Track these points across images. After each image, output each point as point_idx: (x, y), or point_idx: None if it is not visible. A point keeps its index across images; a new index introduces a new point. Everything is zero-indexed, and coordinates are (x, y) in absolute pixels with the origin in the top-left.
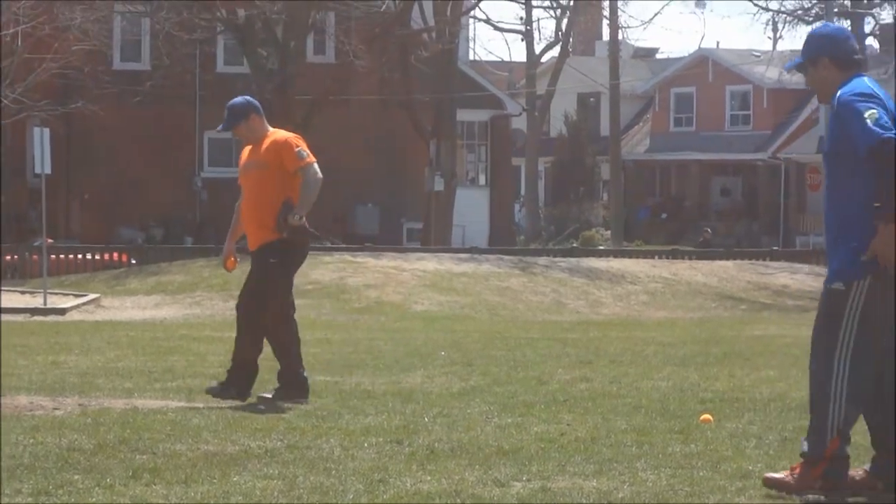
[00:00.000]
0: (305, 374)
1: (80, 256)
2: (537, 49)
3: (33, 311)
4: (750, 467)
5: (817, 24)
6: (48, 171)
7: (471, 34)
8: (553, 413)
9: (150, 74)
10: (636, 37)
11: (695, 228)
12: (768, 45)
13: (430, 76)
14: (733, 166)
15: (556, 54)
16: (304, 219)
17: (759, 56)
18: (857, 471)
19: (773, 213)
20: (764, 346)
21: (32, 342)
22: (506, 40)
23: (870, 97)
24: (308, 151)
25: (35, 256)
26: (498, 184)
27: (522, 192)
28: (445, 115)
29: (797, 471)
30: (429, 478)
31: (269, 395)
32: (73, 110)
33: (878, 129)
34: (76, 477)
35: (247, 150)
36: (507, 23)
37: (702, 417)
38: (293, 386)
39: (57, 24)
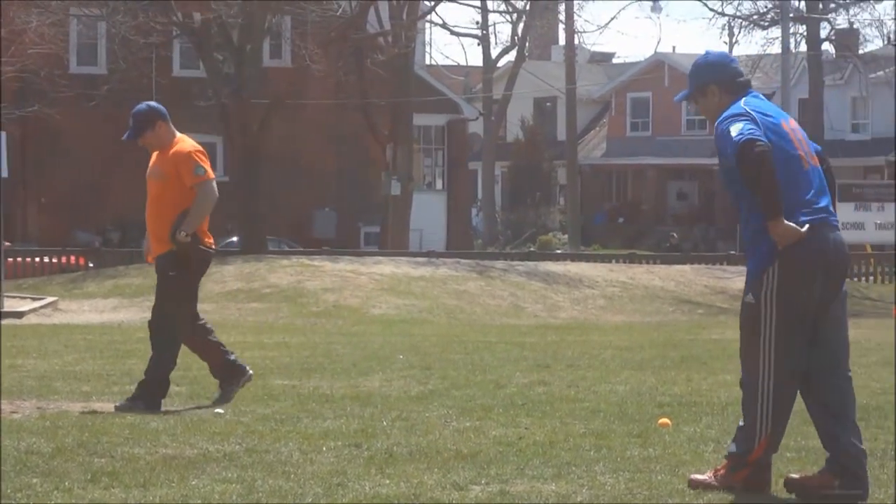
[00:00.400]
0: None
1: (37, 260)
2: (493, 53)
3: None
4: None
5: (700, 54)
6: (5, 174)
7: (427, 38)
8: (511, 417)
9: (107, 78)
10: (592, 41)
11: (652, 232)
12: (724, 50)
13: (386, 80)
14: (690, 171)
15: (513, 59)
16: (189, 237)
17: None
18: (814, 475)
19: (730, 218)
20: (721, 350)
21: None
22: (462, 44)
23: (739, 116)
24: (207, 168)
25: None
26: (455, 188)
27: (479, 196)
28: (402, 119)
29: (721, 472)
30: (388, 481)
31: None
32: (30, 114)
33: (741, 134)
34: (34, 480)
35: (154, 155)
36: (463, 27)
37: (660, 421)
38: (156, 390)
39: (12, 27)
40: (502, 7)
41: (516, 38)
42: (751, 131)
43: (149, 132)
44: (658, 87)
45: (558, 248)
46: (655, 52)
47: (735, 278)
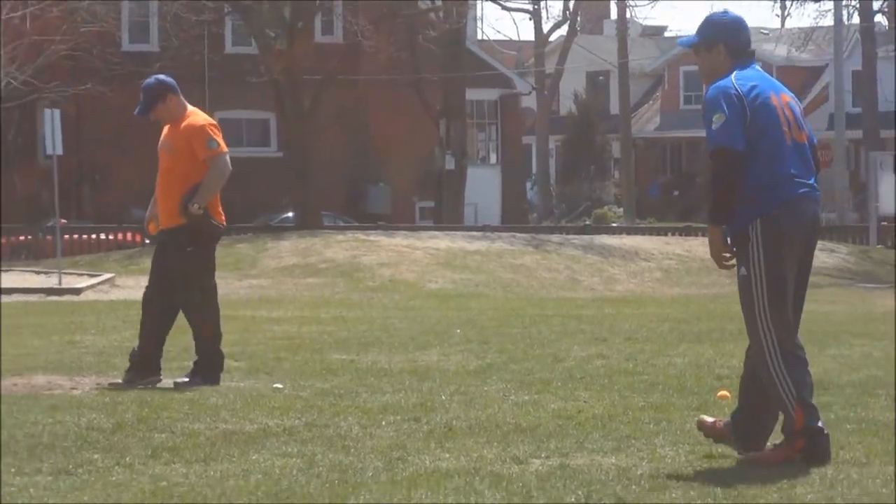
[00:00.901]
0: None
1: (93, 237)
2: (545, 28)
3: (48, 292)
4: (767, 443)
5: (717, 10)
6: (59, 152)
7: (478, 13)
8: (570, 390)
9: (159, 56)
10: (644, 15)
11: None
12: (777, 23)
13: (438, 55)
14: None
15: (565, 33)
16: (202, 209)
17: (767, 34)
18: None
19: None
20: None
21: (48, 322)
22: (513, 19)
23: (728, 97)
24: (220, 141)
25: (49, 237)
26: (509, 162)
27: (534, 170)
28: (455, 94)
29: (779, 450)
30: (447, 455)
31: (186, 379)
32: (83, 91)
33: (718, 136)
34: (96, 456)
35: (166, 127)
36: (514, 2)
37: (719, 394)
38: (212, 363)
39: (65, 6)
40: None
41: (568, 12)
42: (728, 133)
43: (160, 105)
44: None
45: (613, 222)
46: None
47: None
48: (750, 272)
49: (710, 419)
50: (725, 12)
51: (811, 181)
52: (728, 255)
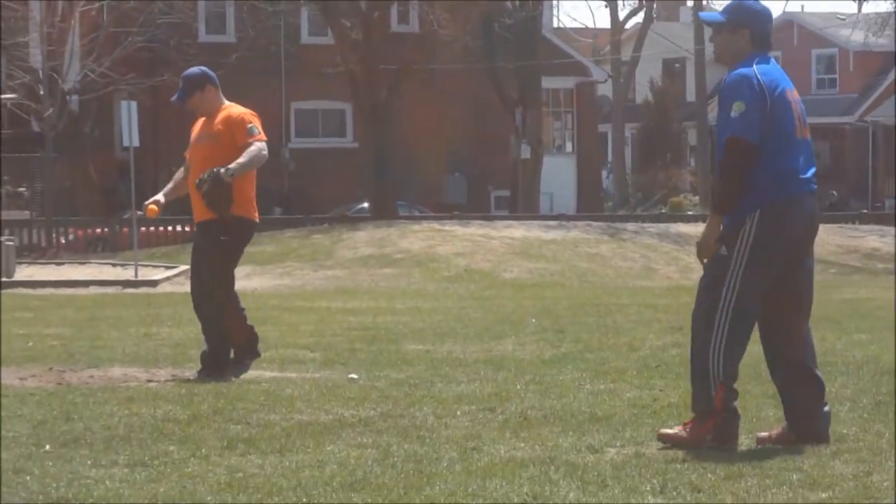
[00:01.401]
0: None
1: (169, 228)
2: (621, 15)
3: (125, 284)
4: (844, 431)
5: None
6: (136, 144)
7: (554, 1)
8: (645, 379)
9: (236, 46)
10: (720, 1)
11: None
12: (853, 8)
13: (514, 44)
14: (820, 130)
15: (641, 20)
16: (233, 177)
17: (844, 19)
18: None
19: (861, 176)
20: (854, 310)
21: (125, 314)
22: (589, 6)
23: (750, 85)
24: (260, 129)
25: (125, 229)
26: (585, 151)
27: (609, 158)
28: (530, 82)
29: (689, 425)
30: (523, 445)
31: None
32: (160, 83)
33: (735, 125)
34: (171, 447)
35: (199, 122)
36: None
37: None
38: (218, 365)
39: None
40: None
41: None
42: (746, 124)
43: (198, 94)
44: (787, 46)
45: (689, 210)
46: (784, 11)
47: (868, 237)
48: (734, 253)
49: (765, 434)
50: (757, 0)
51: (812, 176)
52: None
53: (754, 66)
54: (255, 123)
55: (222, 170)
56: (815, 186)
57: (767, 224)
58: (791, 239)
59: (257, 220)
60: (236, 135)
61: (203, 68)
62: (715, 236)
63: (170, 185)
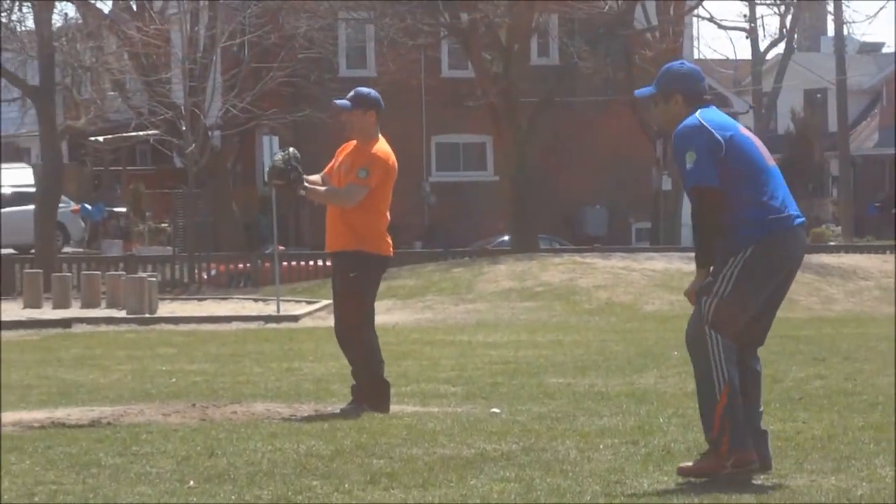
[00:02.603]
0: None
1: (311, 263)
2: (762, 46)
3: (267, 319)
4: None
5: (675, 62)
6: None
7: (694, 32)
8: (788, 411)
9: (376, 81)
10: (861, 31)
11: None
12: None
13: (654, 75)
14: None
15: (782, 51)
16: (302, 192)
17: None
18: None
19: None
20: None
21: (267, 349)
22: (730, 38)
23: (697, 133)
24: (374, 175)
25: (267, 264)
26: None
27: None
28: None
29: (705, 457)
30: (666, 478)
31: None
32: (301, 118)
33: (692, 175)
34: (315, 482)
35: (346, 147)
36: (730, 20)
37: None
38: (374, 396)
39: (282, 33)
40: (770, 0)
41: (784, 29)
42: (701, 172)
43: (359, 112)
44: None
45: (831, 240)
46: None
47: None
48: (719, 278)
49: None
50: (682, 63)
51: (795, 208)
52: None
53: (698, 115)
54: (374, 169)
55: (301, 186)
56: (802, 218)
57: (759, 258)
58: (780, 270)
59: (389, 254)
60: (351, 169)
61: (377, 95)
62: (696, 288)
63: (319, 185)
